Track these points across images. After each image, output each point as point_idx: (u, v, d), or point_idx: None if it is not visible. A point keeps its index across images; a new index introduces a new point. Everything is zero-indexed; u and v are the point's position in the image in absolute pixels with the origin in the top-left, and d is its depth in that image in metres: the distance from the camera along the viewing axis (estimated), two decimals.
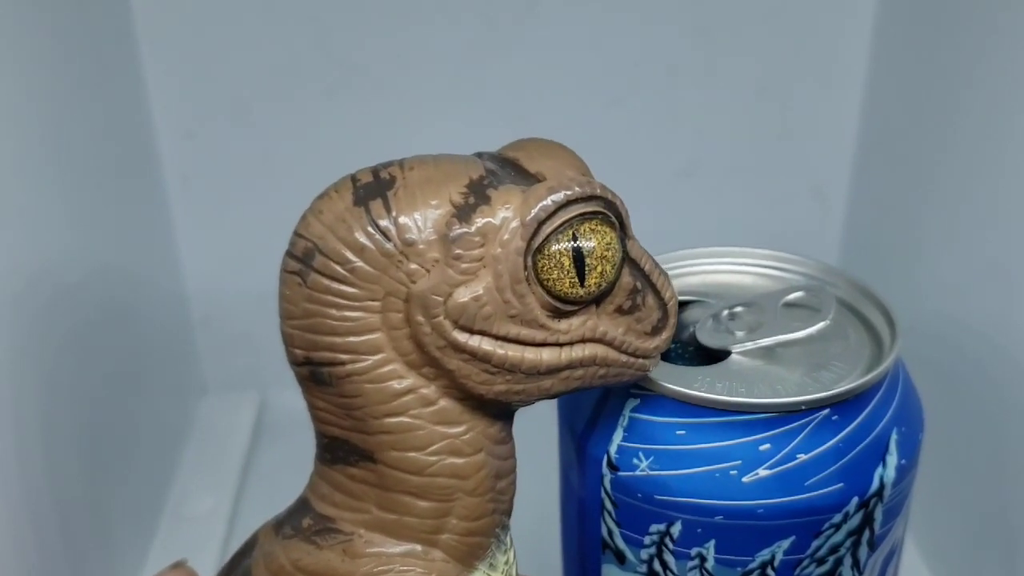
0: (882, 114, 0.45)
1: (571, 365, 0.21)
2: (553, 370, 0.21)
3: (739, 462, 0.24)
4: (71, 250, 0.36)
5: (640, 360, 0.22)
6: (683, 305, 0.29)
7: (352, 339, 0.20)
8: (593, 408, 0.26)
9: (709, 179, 0.48)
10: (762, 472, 0.24)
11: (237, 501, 0.45)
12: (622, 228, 0.21)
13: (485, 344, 0.20)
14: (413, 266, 0.20)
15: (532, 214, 0.20)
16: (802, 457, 0.24)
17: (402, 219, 0.20)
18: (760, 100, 0.47)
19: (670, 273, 0.29)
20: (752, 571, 0.25)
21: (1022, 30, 0.33)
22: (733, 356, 0.26)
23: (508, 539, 0.24)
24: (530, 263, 0.20)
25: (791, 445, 0.24)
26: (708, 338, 0.27)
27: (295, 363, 0.21)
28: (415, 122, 0.46)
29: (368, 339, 0.20)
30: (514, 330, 0.20)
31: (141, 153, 0.45)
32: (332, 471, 0.22)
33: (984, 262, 0.36)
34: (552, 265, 0.20)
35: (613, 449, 0.25)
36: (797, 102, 0.47)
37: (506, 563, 0.23)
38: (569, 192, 0.20)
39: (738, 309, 0.28)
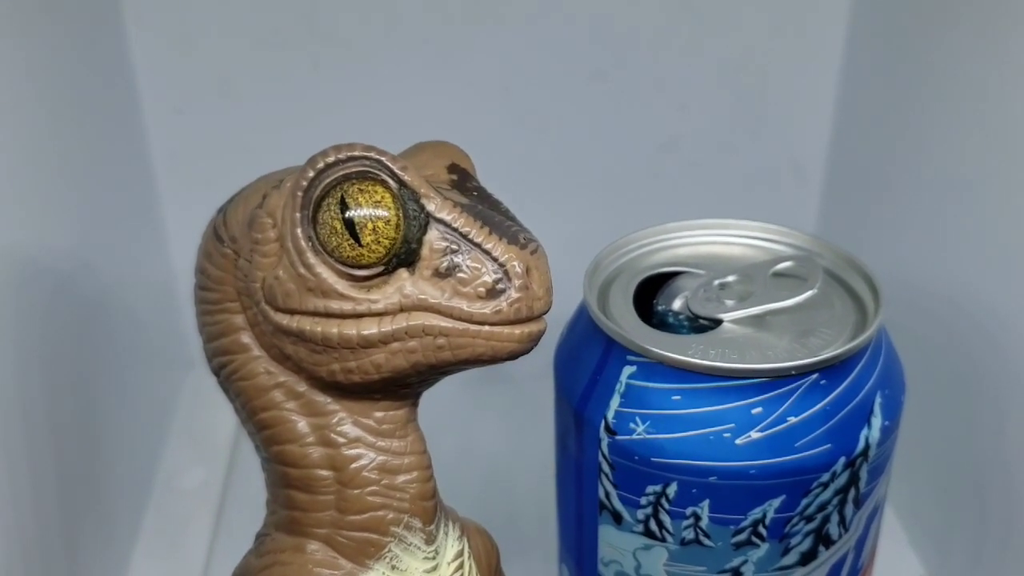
0: (859, 89, 0.46)
1: (396, 336, 0.20)
2: (374, 342, 0.20)
3: (732, 425, 0.25)
4: (58, 227, 0.36)
5: (485, 328, 0.20)
6: (675, 276, 0.30)
7: (224, 340, 0.21)
8: (591, 376, 0.27)
9: (691, 153, 0.48)
10: (754, 434, 0.25)
11: (228, 474, 0.45)
12: (404, 186, 0.20)
13: (303, 323, 0.20)
14: (242, 261, 0.21)
15: (296, 184, 0.20)
16: (792, 420, 0.25)
17: (230, 222, 0.21)
18: (740, 75, 0.47)
19: (662, 244, 0.31)
20: (744, 529, 0.26)
21: (999, 5, 0.34)
22: (725, 324, 0.27)
23: (438, 548, 0.23)
24: (312, 234, 0.20)
25: (782, 408, 0.25)
26: (700, 307, 0.28)
27: (215, 376, 0.23)
28: (400, 95, 0.46)
29: (235, 339, 0.21)
30: (321, 303, 0.20)
31: (129, 130, 0.45)
32: (266, 480, 0.23)
33: (957, 234, 0.37)
34: (328, 232, 0.20)
35: (611, 414, 0.26)
36: (776, 77, 0.47)
37: (430, 571, 0.22)
38: (328, 158, 0.20)
39: (729, 279, 0.29)
